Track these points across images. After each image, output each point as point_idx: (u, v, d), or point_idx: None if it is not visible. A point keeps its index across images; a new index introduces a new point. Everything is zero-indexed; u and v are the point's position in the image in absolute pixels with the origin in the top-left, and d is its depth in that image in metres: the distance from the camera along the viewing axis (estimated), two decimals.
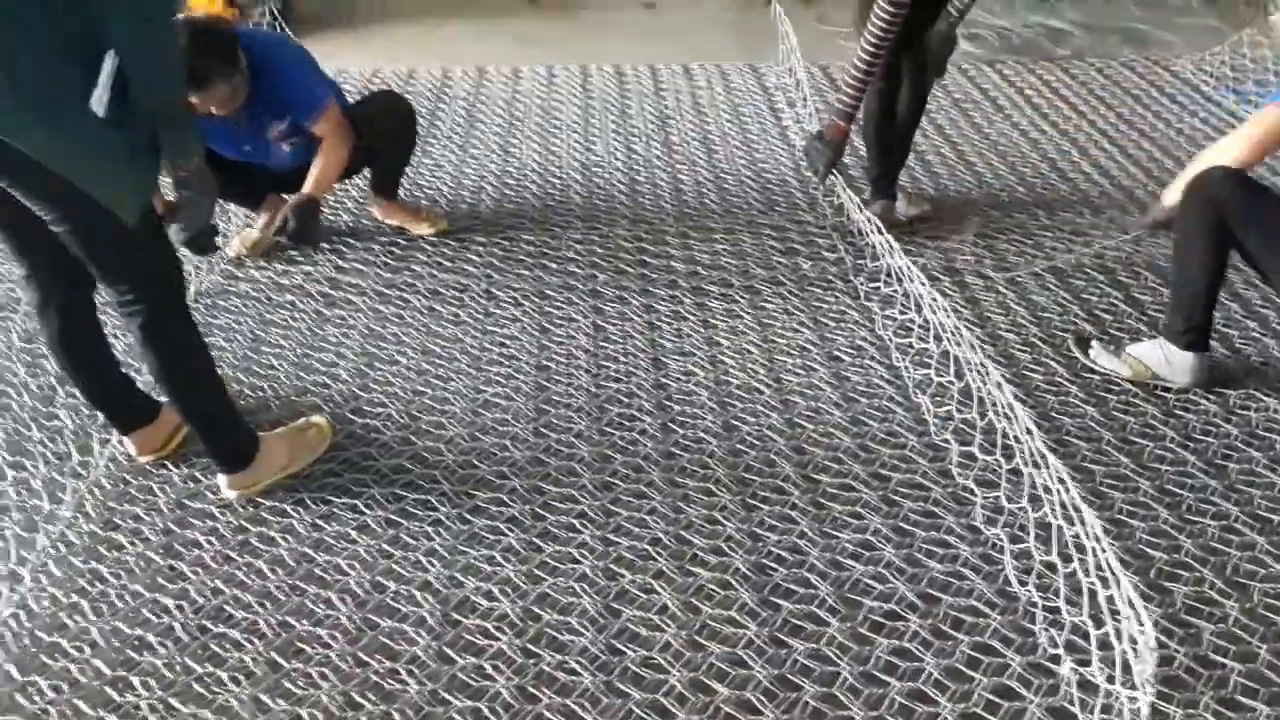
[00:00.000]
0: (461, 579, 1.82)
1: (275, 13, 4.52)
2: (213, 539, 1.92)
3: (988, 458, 2.01)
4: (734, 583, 1.80)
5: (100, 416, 2.17)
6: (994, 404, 1.97)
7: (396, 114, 2.90)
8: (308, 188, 2.68)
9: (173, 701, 1.60)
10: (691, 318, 2.59)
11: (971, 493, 1.98)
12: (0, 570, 1.86)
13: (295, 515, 1.97)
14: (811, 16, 4.98)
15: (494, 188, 3.31)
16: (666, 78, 4.26)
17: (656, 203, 3.20)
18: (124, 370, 2.11)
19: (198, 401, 1.95)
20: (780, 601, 1.76)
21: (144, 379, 2.17)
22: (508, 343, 2.50)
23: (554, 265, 2.84)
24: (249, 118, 2.60)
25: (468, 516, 1.96)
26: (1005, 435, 1.93)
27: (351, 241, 2.97)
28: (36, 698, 1.62)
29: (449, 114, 3.94)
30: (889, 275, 2.58)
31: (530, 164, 3.47)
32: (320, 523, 1.95)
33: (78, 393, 2.16)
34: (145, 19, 1.53)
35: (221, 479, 2.03)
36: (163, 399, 2.10)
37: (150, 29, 1.55)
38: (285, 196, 2.79)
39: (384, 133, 2.83)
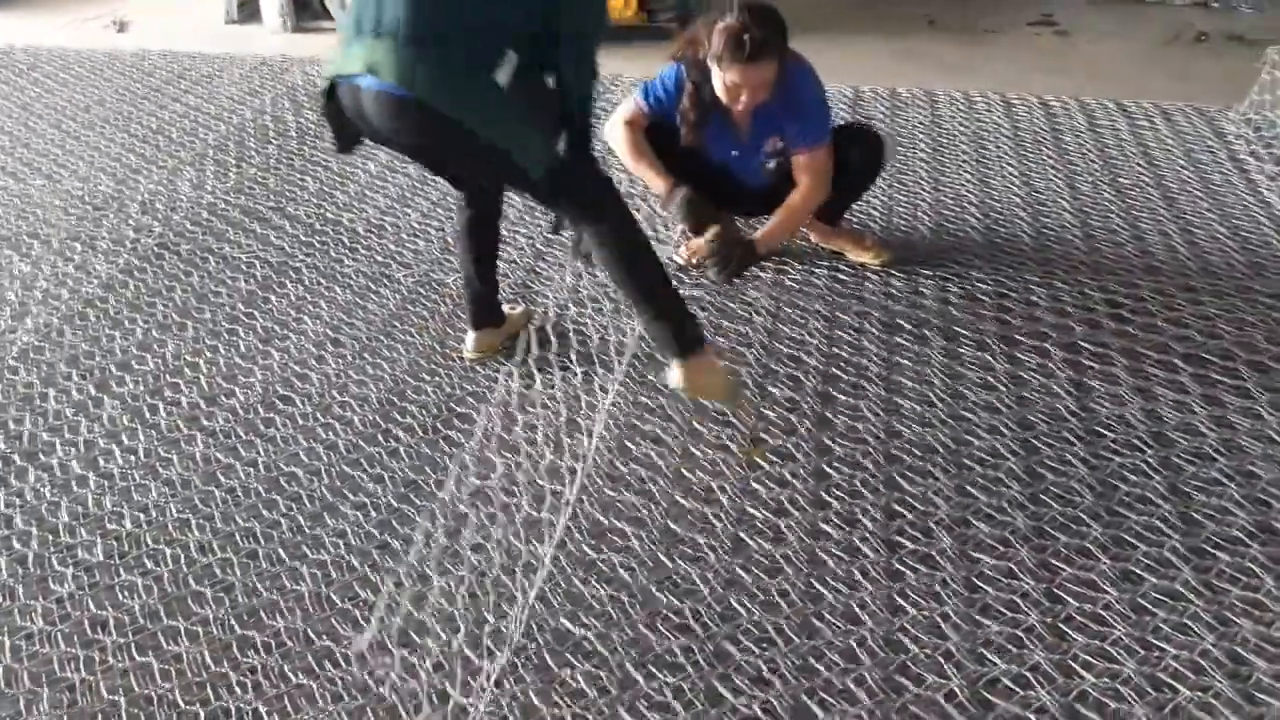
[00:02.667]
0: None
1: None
2: None
3: None
4: None
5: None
6: None
7: (866, 144, 2.77)
8: (762, 235, 2.64)
9: None
10: (1192, 391, 2.31)
11: None
12: None
13: None
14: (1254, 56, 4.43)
15: (929, 218, 3.14)
16: (1101, 114, 3.91)
17: (1117, 251, 2.91)
18: (498, 278, 2.50)
19: (653, 291, 2.13)
20: None
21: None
22: (979, 390, 2.33)
23: (1018, 309, 2.64)
24: (754, 123, 2.57)
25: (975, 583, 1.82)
26: None
27: (792, 262, 2.92)
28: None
29: None
30: None
31: (965, 196, 3.27)
32: None
33: (462, 280, 2.50)
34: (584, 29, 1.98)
35: (675, 372, 2.17)
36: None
37: (586, 41, 1.98)
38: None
39: (851, 163, 2.72)
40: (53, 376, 2.52)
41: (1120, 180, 3.35)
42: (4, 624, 1.82)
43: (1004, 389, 2.33)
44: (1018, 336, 2.52)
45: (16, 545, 2.01)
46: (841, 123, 2.93)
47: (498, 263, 2.51)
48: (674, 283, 2.18)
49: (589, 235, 2.11)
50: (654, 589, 1.84)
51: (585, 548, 1.93)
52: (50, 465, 2.22)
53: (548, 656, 1.71)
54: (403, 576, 1.84)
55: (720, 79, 2.45)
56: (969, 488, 2.04)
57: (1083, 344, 2.48)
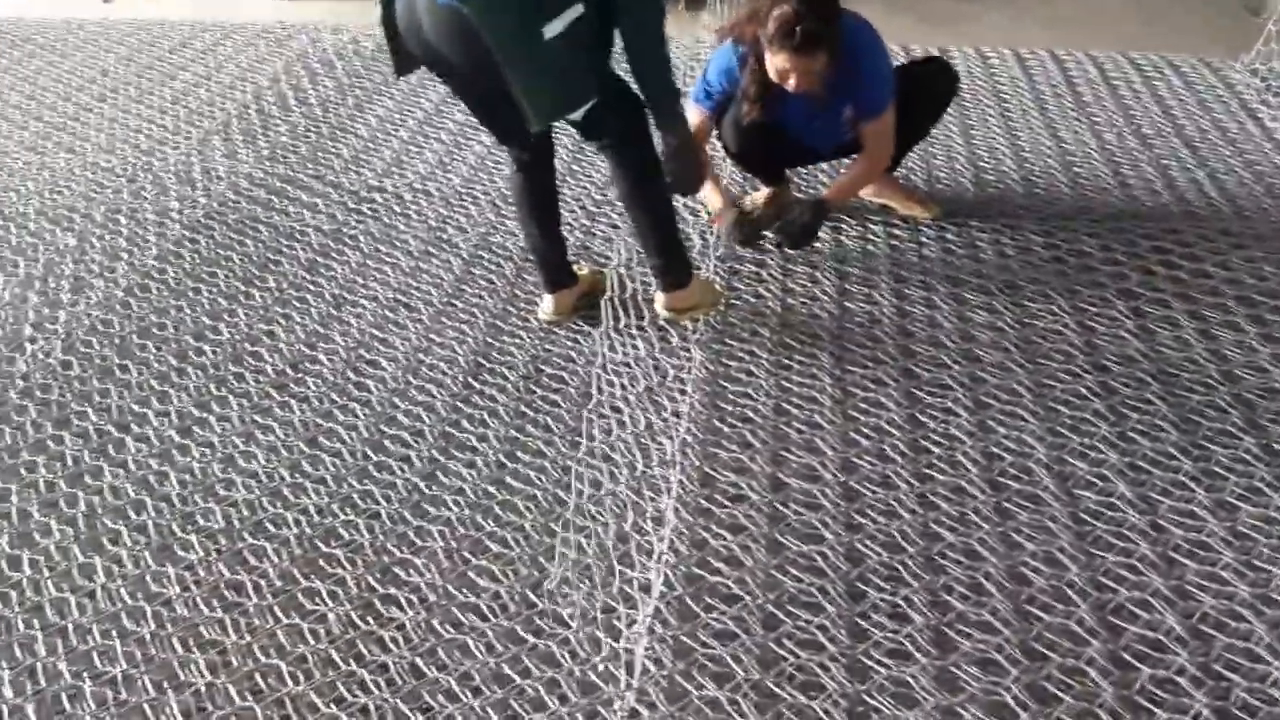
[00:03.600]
0: None
1: None
2: None
3: None
4: None
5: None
6: None
7: (935, 81, 2.81)
8: (830, 193, 2.70)
9: None
10: (1249, 331, 2.40)
11: None
12: None
13: None
14: (1237, 6, 4.55)
15: (968, 171, 3.20)
16: (1111, 66, 3.99)
17: (1155, 200, 2.99)
18: (563, 237, 2.51)
19: (659, 220, 2.34)
20: None
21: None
22: (1052, 338, 2.40)
23: (1071, 260, 2.72)
24: (831, 95, 2.58)
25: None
26: None
27: (847, 220, 2.96)
28: None
29: None
30: None
31: (998, 149, 3.33)
32: None
33: (526, 244, 2.55)
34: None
35: (660, 299, 2.43)
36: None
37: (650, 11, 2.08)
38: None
39: (919, 101, 2.75)
40: (128, 348, 2.50)
41: (1143, 130, 3.44)
42: (139, 590, 1.83)
43: (1073, 334, 2.41)
44: (1077, 286, 2.60)
45: (133, 514, 2.01)
46: (905, 61, 2.96)
47: (560, 222, 2.52)
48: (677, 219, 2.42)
49: (612, 159, 2.29)
50: (777, 535, 1.90)
51: (701, 499, 1.99)
52: (146, 435, 2.21)
53: (690, 602, 1.77)
54: (568, 523, 1.90)
55: (771, 61, 2.48)
56: (1059, 429, 2.12)
57: (1138, 290, 2.58)
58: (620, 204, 2.38)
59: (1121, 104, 3.66)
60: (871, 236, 2.87)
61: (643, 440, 2.09)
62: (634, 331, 2.44)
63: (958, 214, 2.96)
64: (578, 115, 2.09)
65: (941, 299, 2.57)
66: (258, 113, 3.76)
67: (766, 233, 2.78)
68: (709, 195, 2.75)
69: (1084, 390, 2.23)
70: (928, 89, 2.81)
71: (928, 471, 2.03)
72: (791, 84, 2.47)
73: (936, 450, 2.08)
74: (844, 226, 2.91)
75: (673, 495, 1.96)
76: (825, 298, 2.60)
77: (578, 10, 1.99)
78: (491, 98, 2.21)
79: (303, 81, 4.03)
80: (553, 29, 1.96)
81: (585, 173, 3.24)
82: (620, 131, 2.22)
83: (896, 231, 2.89)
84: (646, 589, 1.77)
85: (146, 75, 4.19)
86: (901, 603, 1.75)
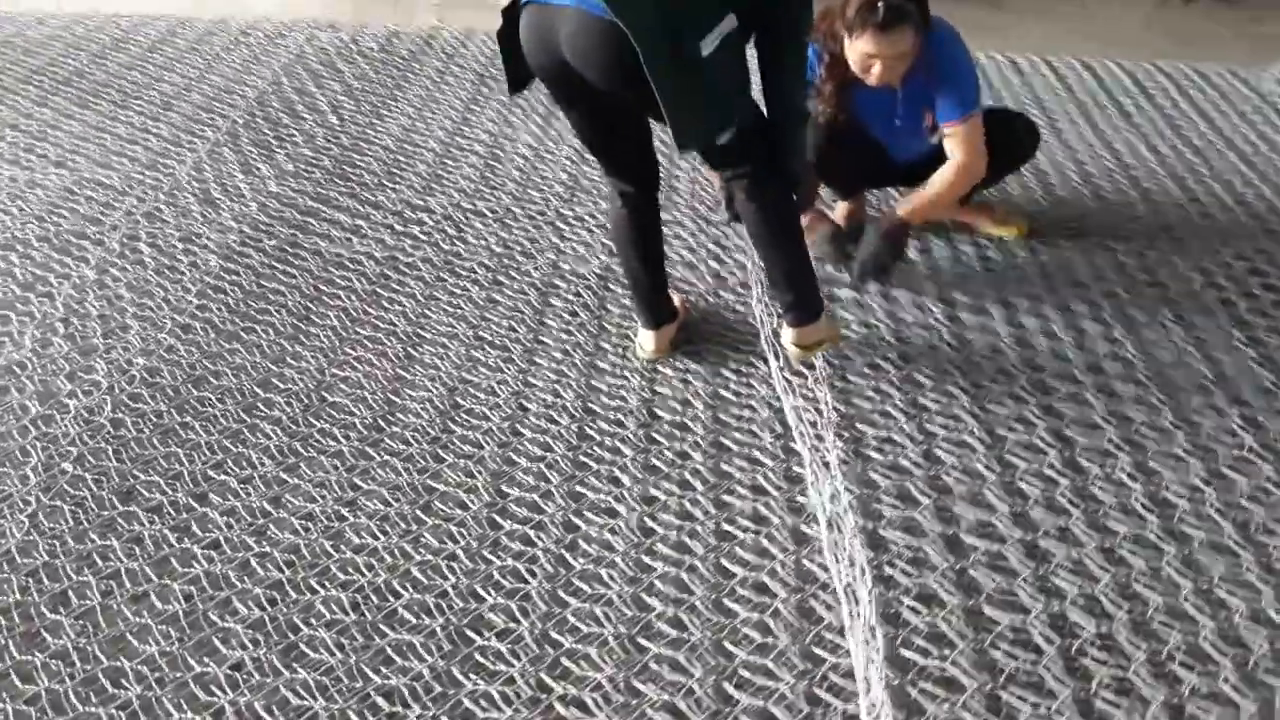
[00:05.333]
0: None
1: None
2: None
3: None
4: None
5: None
6: None
7: (1017, 129, 2.68)
8: (906, 209, 2.53)
9: None
10: None
11: None
12: None
13: None
14: (1245, 19, 4.59)
15: (1038, 186, 3.09)
16: (1145, 77, 3.93)
17: (1228, 216, 2.92)
18: (665, 273, 2.38)
19: (795, 251, 2.19)
20: None
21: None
22: (1180, 368, 2.29)
23: (1167, 277, 2.63)
24: (910, 92, 2.45)
25: None
26: None
27: (932, 239, 2.81)
28: None
29: None
30: None
31: (1060, 162, 3.22)
32: None
33: (626, 279, 2.38)
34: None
35: (790, 334, 2.26)
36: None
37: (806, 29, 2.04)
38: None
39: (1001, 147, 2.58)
40: (184, 401, 2.21)
41: (1194, 143, 3.40)
42: (273, 701, 1.58)
43: (1201, 365, 2.31)
44: (1183, 313, 2.49)
45: (242, 607, 1.74)
46: (991, 105, 2.84)
47: (663, 258, 2.35)
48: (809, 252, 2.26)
49: (746, 189, 2.12)
50: (973, 606, 1.74)
51: (885, 565, 1.82)
52: (232, 508, 1.94)
53: (908, 690, 1.61)
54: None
55: (853, 49, 2.33)
56: (1224, 471, 2.01)
57: (1249, 319, 2.47)
58: (751, 236, 2.19)
59: (1165, 115, 3.61)
60: (963, 258, 2.74)
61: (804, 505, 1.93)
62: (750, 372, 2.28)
63: (1040, 231, 2.86)
64: (725, 139, 1.92)
65: (1060, 328, 2.45)
66: (266, 120, 3.45)
67: (846, 264, 2.64)
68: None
69: (1234, 428, 2.14)
70: (1009, 140, 2.63)
71: (1105, 523, 1.90)
72: (875, 72, 2.33)
73: (1105, 499, 1.96)
74: (932, 246, 2.79)
75: (864, 576, 1.78)
76: (939, 326, 2.46)
77: (731, 23, 1.84)
78: (618, 122, 2.04)
79: (307, 85, 3.72)
80: (709, 45, 1.81)
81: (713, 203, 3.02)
82: (761, 158, 2.05)
83: (989, 254, 2.77)
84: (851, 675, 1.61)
85: (128, 77, 3.81)
86: (1133, 678, 1.62)
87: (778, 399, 2.20)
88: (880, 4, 2.22)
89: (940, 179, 2.53)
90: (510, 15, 1.94)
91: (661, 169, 2.29)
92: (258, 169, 3.15)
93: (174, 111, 3.52)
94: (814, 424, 2.13)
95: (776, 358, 2.31)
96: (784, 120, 2.05)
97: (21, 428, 2.13)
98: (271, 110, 3.52)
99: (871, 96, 2.49)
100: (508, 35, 1.97)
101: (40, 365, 2.32)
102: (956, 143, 2.49)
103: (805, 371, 2.27)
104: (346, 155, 3.23)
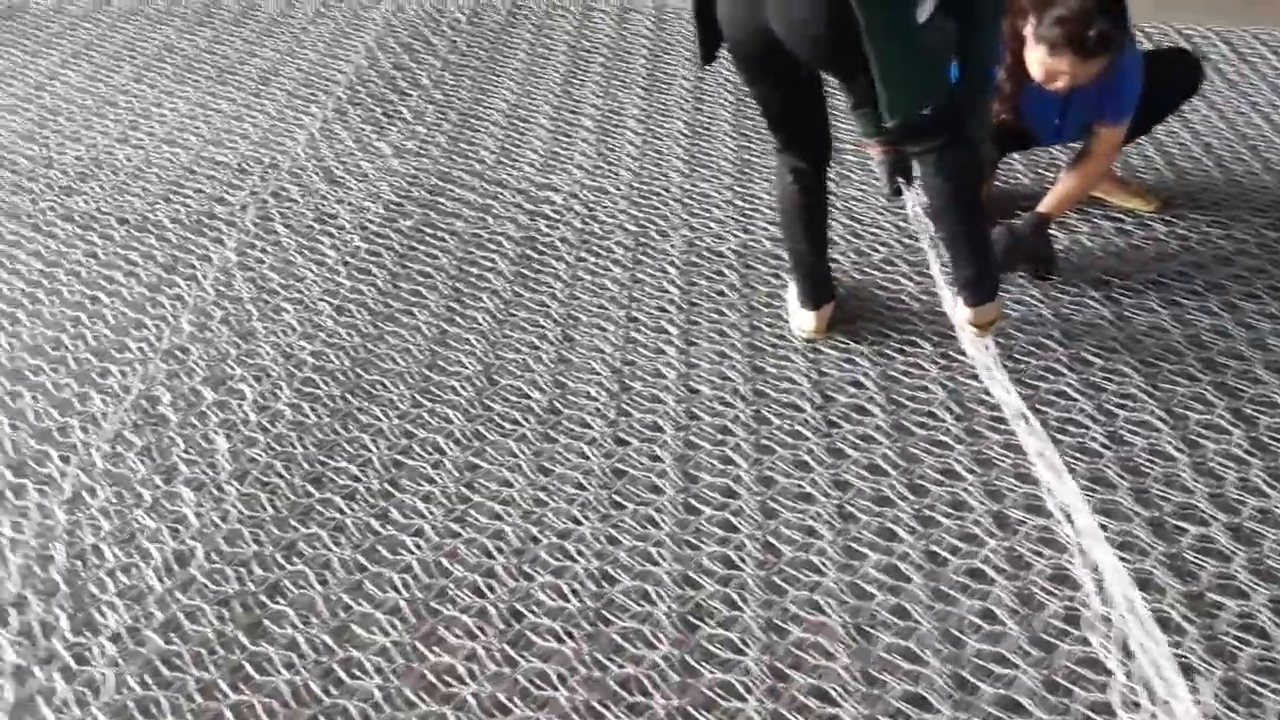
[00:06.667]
0: None
1: None
2: None
3: None
4: None
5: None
6: None
7: (1180, 68, 2.67)
8: (1046, 205, 2.52)
9: None
10: None
11: None
12: None
13: None
14: None
15: (1159, 157, 3.05)
16: (1240, 43, 3.87)
17: None
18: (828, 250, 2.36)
19: (978, 227, 2.17)
20: None
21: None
22: None
23: None
24: (1081, 96, 2.38)
25: None
26: None
27: (1070, 217, 2.74)
28: None
29: None
30: None
31: (1174, 132, 3.19)
32: None
33: (789, 258, 2.35)
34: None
35: (967, 313, 2.20)
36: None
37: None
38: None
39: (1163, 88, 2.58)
40: (357, 385, 2.21)
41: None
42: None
43: None
44: None
45: (464, 616, 1.75)
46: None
47: (828, 236, 2.34)
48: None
49: (934, 163, 2.08)
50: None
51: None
52: (430, 494, 1.94)
53: None
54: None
55: (1042, 58, 2.27)
56: None
57: None
58: (935, 211, 2.16)
59: (1272, 84, 3.57)
60: (1106, 234, 2.69)
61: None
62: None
63: (1172, 204, 2.82)
64: (928, 110, 1.91)
65: (1216, 305, 2.42)
66: (372, 95, 3.40)
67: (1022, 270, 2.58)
68: None
69: None
70: (1166, 80, 2.61)
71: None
72: (1060, 85, 2.29)
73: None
74: (1069, 223, 2.76)
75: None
76: (1094, 304, 2.44)
77: None
78: (805, 95, 2.05)
79: (402, 59, 3.66)
80: (924, 11, 1.80)
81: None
82: (955, 132, 2.03)
83: (1129, 228, 2.73)
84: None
85: (218, 52, 3.76)
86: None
87: (950, 380, 2.19)
88: (1092, 32, 2.15)
89: (1078, 176, 2.53)
90: None
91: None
92: (375, 147, 3.11)
93: (274, 87, 3.48)
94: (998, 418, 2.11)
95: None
96: (974, 95, 2.04)
97: (200, 414, 2.13)
98: (374, 86, 3.47)
99: (1039, 95, 2.43)
100: (702, 5, 1.97)
101: (204, 350, 2.31)
102: (1099, 141, 2.50)
103: (970, 353, 2.26)
104: (459, 132, 3.19)
